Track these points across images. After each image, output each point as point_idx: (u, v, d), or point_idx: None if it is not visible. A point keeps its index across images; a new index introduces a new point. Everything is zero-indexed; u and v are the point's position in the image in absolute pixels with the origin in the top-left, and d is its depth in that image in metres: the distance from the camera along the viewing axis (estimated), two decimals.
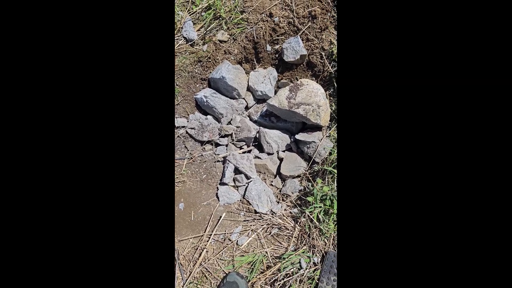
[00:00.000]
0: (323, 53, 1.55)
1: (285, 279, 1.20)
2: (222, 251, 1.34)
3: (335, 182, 1.36)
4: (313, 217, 1.31)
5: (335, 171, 1.36)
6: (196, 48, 1.72)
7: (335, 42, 1.52)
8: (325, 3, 1.57)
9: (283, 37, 1.64)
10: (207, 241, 1.37)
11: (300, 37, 1.58)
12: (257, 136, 1.63)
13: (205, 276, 1.28)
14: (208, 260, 1.31)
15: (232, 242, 1.36)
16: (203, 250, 1.34)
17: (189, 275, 1.28)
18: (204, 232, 1.40)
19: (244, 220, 1.43)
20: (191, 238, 1.39)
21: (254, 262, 1.28)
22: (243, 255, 1.32)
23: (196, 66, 1.72)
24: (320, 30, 1.57)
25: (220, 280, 1.25)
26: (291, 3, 1.61)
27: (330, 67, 1.54)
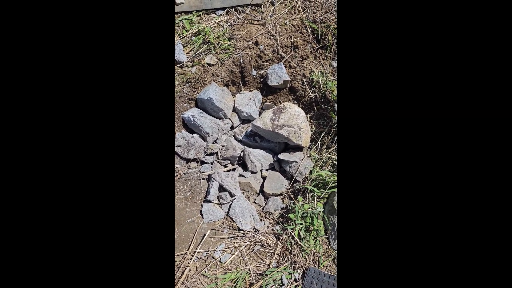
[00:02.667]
0: (304, 80, 1.69)
1: None
2: (205, 269, 1.34)
3: (315, 200, 1.44)
4: (294, 234, 1.36)
5: (316, 189, 1.45)
6: (185, 70, 1.80)
7: (315, 71, 1.67)
8: (306, 35, 1.73)
9: (267, 63, 1.76)
10: (191, 259, 1.37)
11: (283, 64, 1.71)
12: (242, 155, 1.69)
13: None
14: (191, 279, 1.31)
15: (215, 260, 1.37)
16: (186, 268, 1.34)
17: None
18: (188, 249, 1.40)
19: (228, 238, 1.46)
20: (174, 256, 1.38)
21: (237, 280, 1.30)
22: (226, 273, 1.33)
23: (184, 86, 1.80)
24: (301, 59, 1.71)
25: None
26: (275, 33, 1.75)
27: (310, 93, 1.66)
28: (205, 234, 1.45)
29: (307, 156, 1.60)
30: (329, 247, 1.35)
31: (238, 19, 1.83)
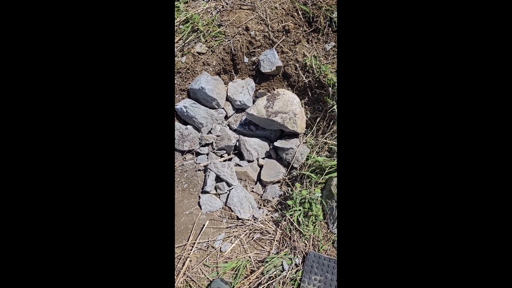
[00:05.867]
0: (297, 65, 1.65)
1: (268, 282, 1.24)
2: (205, 259, 1.35)
3: (313, 185, 1.44)
4: (293, 220, 1.36)
5: (313, 175, 1.44)
6: (174, 60, 1.75)
7: (308, 55, 1.63)
8: (297, 18, 1.69)
9: (259, 49, 1.72)
10: (191, 250, 1.37)
11: (276, 50, 1.67)
12: (237, 144, 1.67)
13: (189, 285, 1.28)
14: (192, 269, 1.32)
15: (215, 249, 1.37)
16: (186, 259, 1.34)
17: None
18: (187, 241, 1.40)
19: (227, 227, 1.46)
20: (174, 248, 1.38)
21: (238, 268, 1.31)
22: (226, 262, 1.34)
23: (175, 77, 1.75)
24: (293, 44, 1.67)
25: (205, 287, 1.26)
26: (266, 18, 1.71)
27: (304, 78, 1.64)
28: (204, 225, 1.45)
29: (303, 142, 1.58)
30: (328, 231, 1.35)
31: (227, 4, 1.77)
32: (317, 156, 1.48)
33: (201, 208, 1.51)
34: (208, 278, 1.29)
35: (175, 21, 1.77)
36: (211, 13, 1.77)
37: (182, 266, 1.32)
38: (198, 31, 1.75)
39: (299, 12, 1.68)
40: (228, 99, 1.76)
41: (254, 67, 1.75)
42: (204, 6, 1.78)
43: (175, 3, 1.80)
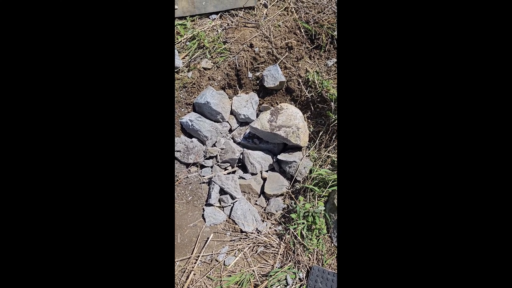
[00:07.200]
0: (300, 80, 1.70)
1: None
2: (209, 272, 1.35)
3: (316, 199, 1.45)
4: (297, 233, 1.37)
5: (316, 188, 1.46)
6: (181, 75, 1.80)
7: (310, 70, 1.68)
8: (300, 36, 1.75)
9: (263, 65, 1.78)
10: (195, 263, 1.38)
11: (279, 66, 1.72)
12: (241, 157, 1.70)
13: None
14: (196, 282, 1.32)
15: (219, 263, 1.38)
16: (190, 273, 1.34)
17: None
18: (191, 254, 1.41)
19: (231, 240, 1.46)
20: (178, 261, 1.39)
21: (241, 281, 1.31)
22: (230, 275, 1.34)
23: (181, 91, 1.80)
24: (296, 60, 1.73)
25: None
26: (270, 35, 1.77)
27: (306, 92, 1.68)
28: (208, 238, 1.46)
29: (306, 156, 1.61)
30: (332, 245, 1.35)
31: (232, 22, 1.84)
32: (320, 169, 1.50)
33: (205, 221, 1.52)
34: None
35: (183, 38, 1.84)
36: (217, 30, 1.84)
37: (186, 279, 1.32)
38: (204, 48, 1.81)
39: (302, 30, 1.75)
40: (232, 112, 1.80)
41: (258, 82, 1.80)
42: (210, 24, 1.85)
43: (183, 21, 1.88)
